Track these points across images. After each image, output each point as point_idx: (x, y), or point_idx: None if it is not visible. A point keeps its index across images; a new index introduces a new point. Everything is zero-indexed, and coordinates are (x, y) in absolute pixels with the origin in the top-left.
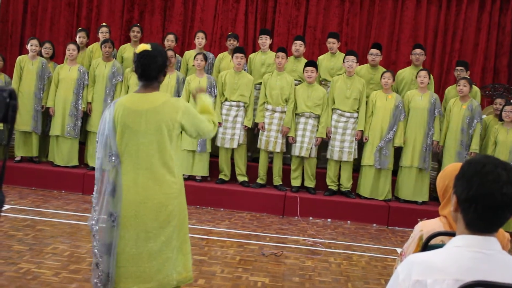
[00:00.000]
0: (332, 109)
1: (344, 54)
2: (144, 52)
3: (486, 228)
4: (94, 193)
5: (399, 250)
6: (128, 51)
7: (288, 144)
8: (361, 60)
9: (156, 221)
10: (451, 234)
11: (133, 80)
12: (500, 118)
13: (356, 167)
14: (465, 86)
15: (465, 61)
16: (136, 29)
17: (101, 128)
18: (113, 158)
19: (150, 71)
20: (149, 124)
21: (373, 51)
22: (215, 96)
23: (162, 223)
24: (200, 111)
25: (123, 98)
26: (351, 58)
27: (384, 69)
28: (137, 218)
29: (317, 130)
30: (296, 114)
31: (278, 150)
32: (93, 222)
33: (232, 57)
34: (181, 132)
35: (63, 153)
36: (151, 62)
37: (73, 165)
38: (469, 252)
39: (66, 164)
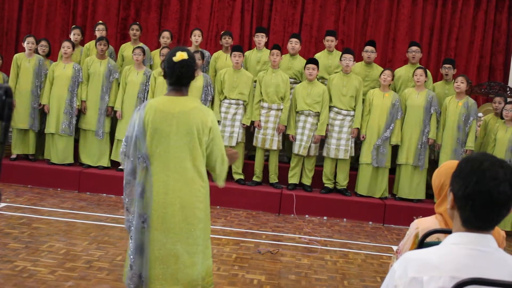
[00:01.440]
0: (330, 107)
1: (340, 52)
2: (184, 61)
3: (482, 225)
4: (124, 195)
5: (394, 247)
6: (128, 49)
7: (285, 142)
8: (357, 58)
9: (184, 223)
10: (447, 232)
11: (131, 77)
12: (501, 116)
13: (353, 165)
14: (462, 83)
15: (452, 59)
16: (135, 27)
17: (130, 131)
18: (143, 160)
19: (186, 79)
20: (180, 127)
21: (368, 48)
22: (212, 95)
23: (190, 226)
24: None
25: (153, 101)
26: (348, 56)
27: (379, 67)
28: (165, 219)
29: (316, 128)
30: (296, 112)
31: (274, 148)
32: (129, 224)
33: (230, 55)
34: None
35: (58, 151)
36: (188, 71)
37: (69, 163)
38: (465, 249)
39: (61, 162)
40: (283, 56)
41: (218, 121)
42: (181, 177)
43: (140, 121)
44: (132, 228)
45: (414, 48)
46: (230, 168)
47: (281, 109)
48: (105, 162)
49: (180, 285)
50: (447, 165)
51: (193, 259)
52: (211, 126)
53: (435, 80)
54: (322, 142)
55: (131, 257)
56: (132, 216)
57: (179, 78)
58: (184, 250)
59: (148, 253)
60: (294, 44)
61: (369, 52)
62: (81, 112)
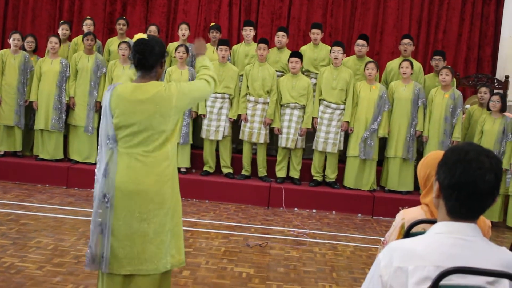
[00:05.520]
0: (319, 100)
1: (326, 45)
2: (141, 39)
3: (467, 215)
4: (96, 170)
5: (383, 239)
6: (115, 44)
7: (273, 136)
8: (346, 51)
9: (150, 203)
10: (433, 222)
11: (117, 72)
12: (487, 107)
13: (342, 158)
14: (447, 75)
15: (443, 50)
16: (122, 21)
17: (102, 110)
18: (110, 141)
19: (146, 59)
20: (143, 114)
21: (360, 42)
22: None
23: (156, 205)
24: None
25: (119, 86)
26: (337, 49)
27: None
28: (130, 199)
29: (302, 120)
30: (281, 105)
31: (261, 141)
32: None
33: (216, 49)
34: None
35: (48, 147)
36: (147, 49)
37: (59, 158)
38: (450, 238)
39: (51, 157)
40: (270, 49)
41: (203, 115)
42: (146, 159)
43: (107, 104)
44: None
45: (406, 41)
46: (218, 162)
47: (268, 103)
48: (94, 158)
49: (149, 264)
50: (432, 156)
51: (161, 238)
52: (176, 102)
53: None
54: (310, 135)
55: (90, 236)
56: None
57: (139, 59)
58: (151, 230)
59: (110, 233)
60: (281, 37)
61: (360, 45)
62: (69, 108)
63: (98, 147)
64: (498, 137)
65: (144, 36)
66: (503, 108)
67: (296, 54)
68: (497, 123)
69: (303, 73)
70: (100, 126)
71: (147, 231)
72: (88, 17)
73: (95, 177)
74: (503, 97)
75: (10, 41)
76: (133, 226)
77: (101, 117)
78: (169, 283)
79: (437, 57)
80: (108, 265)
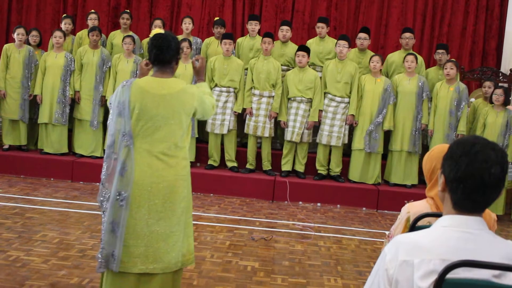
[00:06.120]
0: (324, 93)
1: (333, 39)
2: (158, 34)
3: (473, 208)
4: (103, 169)
5: (388, 233)
6: (118, 37)
7: (277, 129)
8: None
9: (168, 202)
10: (438, 215)
11: (122, 66)
12: (490, 101)
13: (346, 151)
14: (452, 69)
15: (446, 44)
16: (125, 15)
17: (114, 107)
18: (126, 138)
19: (164, 53)
20: (167, 109)
21: (361, 35)
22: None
23: (173, 205)
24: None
25: (140, 81)
26: (343, 43)
27: (373, 53)
28: (149, 198)
29: (308, 115)
30: (288, 99)
31: (266, 135)
32: (102, 199)
33: (220, 43)
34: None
35: (52, 141)
36: (164, 44)
37: (63, 152)
38: (456, 232)
39: (56, 151)
40: (275, 43)
41: None
42: (166, 157)
43: (125, 99)
44: (105, 203)
45: (407, 34)
46: (223, 155)
47: (273, 96)
48: (99, 152)
49: (162, 262)
50: (438, 149)
51: (175, 237)
52: (196, 105)
53: (427, 66)
54: (316, 128)
55: (103, 233)
56: (107, 191)
57: (157, 54)
58: (168, 229)
59: (123, 231)
60: (285, 32)
61: (362, 39)
62: (75, 102)
63: (107, 147)
64: (502, 130)
65: (161, 31)
66: (506, 101)
67: (303, 48)
68: (500, 116)
69: (308, 66)
70: (112, 125)
71: (164, 230)
72: (92, 11)
73: (102, 175)
74: (507, 90)
75: (15, 35)
76: (150, 225)
77: (112, 116)
78: (179, 281)
79: (440, 51)
80: (120, 264)
